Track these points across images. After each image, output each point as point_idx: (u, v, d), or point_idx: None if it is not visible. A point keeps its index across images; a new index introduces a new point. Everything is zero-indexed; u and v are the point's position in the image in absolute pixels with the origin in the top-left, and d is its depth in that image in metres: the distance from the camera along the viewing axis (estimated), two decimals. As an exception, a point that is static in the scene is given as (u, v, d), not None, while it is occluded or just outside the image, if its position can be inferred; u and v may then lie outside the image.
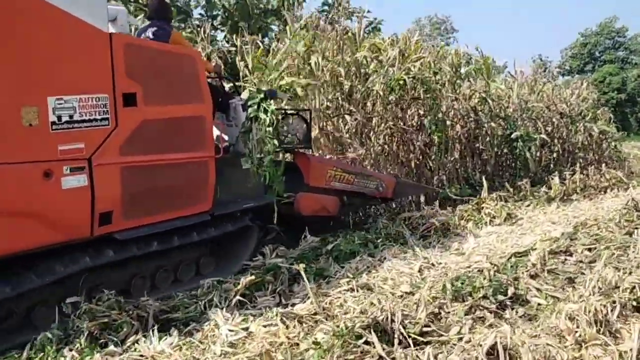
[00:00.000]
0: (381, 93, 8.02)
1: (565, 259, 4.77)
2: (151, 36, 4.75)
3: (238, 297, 3.94)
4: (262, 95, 4.98)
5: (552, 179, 9.41)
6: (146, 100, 4.14)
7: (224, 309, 3.80)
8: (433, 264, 4.84)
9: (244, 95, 5.46)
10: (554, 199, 8.63)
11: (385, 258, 5.06)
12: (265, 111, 4.88)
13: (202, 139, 4.60)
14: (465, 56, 10.53)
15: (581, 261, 4.71)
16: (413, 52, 8.67)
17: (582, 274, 4.34)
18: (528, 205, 8.20)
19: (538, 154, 11.18)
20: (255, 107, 4.93)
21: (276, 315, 3.61)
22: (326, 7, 13.53)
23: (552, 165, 11.54)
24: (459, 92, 9.62)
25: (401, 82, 8.10)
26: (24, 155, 3.50)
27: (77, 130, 3.76)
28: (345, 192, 6.08)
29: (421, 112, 8.73)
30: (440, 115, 8.60)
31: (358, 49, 8.12)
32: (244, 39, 8.13)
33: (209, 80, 5.24)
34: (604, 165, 11.55)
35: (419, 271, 4.63)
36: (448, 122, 8.99)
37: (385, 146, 8.31)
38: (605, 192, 9.85)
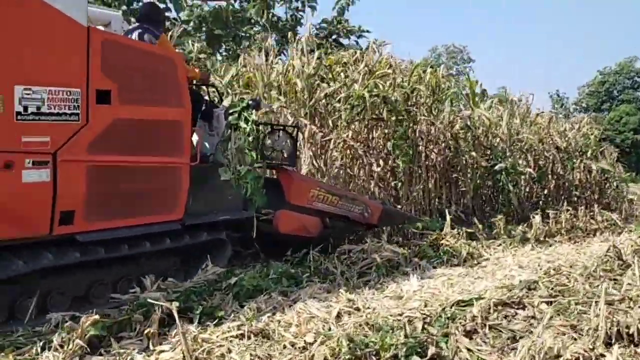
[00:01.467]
0: (342, 111, 7.47)
1: (516, 313, 4.10)
2: (136, 37, 4.68)
3: (80, 342, 3.14)
4: (243, 104, 4.84)
5: (534, 217, 8.62)
6: (121, 98, 4.06)
7: (63, 355, 3.08)
8: (358, 309, 4.08)
9: (226, 103, 5.31)
10: (530, 239, 7.90)
11: (300, 298, 4.34)
12: (246, 120, 4.75)
13: (177, 145, 4.50)
14: (450, 79, 9.89)
15: (533, 317, 4.01)
16: (381, 68, 8.07)
17: (530, 333, 3.71)
18: (499, 245, 7.50)
19: (527, 189, 10.65)
20: (236, 115, 4.79)
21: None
22: (324, 25, 13.50)
23: (541, 203, 10.77)
24: (440, 117, 8.85)
25: (362, 100, 7.52)
26: (-15, 143, 3.41)
27: (44, 122, 3.68)
28: (329, 214, 5.86)
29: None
30: (408, 139, 7.86)
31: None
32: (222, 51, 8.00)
33: (194, 87, 5.17)
34: (596, 205, 10.78)
35: (337, 317, 3.87)
36: (421, 148, 8.35)
37: (347, 169, 7.69)
38: (594, 235, 9.11)
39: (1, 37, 3.45)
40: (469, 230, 7.53)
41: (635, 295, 4.16)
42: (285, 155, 5.55)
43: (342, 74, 8.04)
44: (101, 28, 4.81)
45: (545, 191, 11.11)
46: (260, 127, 5.34)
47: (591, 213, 10.08)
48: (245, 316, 3.71)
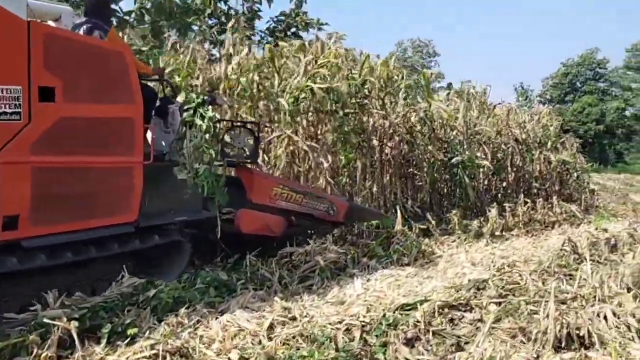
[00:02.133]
0: (285, 104, 7.05)
1: (462, 316, 3.76)
2: (84, 32, 4.44)
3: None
4: (199, 100, 4.67)
5: (490, 210, 8.36)
6: (66, 96, 3.88)
7: None
8: (294, 318, 3.73)
9: (179, 98, 5.13)
10: (484, 234, 7.64)
11: (230, 309, 3.93)
12: (202, 117, 4.58)
13: (129, 143, 4.34)
14: (401, 71, 9.45)
15: (480, 319, 3.69)
16: (328, 59, 7.55)
17: (476, 337, 3.43)
18: (454, 241, 7.27)
19: (486, 182, 10.52)
20: (192, 112, 4.61)
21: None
22: (282, 17, 13.23)
23: (500, 196, 10.63)
24: (393, 110, 8.53)
25: (306, 92, 7.13)
26: None
27: None
28: (293, 213, 5.76)
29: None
30: (362, 133, 7.60)
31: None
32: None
33: (147, 83, 4.99)
34: (555, 197, 10.74)
35: (269, 328, 3.52)
36: (375, 142, 7.99)
37: (294, 165, 7.34)
38: (552, 228, 8.99)
39: None
40: (422, 226, 7.32)
41: (587, 293, 3.97)
42: (247, 152, 5.41)
43: (286, 65, 7.65)
44: (51, 23, 4.59)
45: (504, 184, 11.01)
46: (220, 124, 5.18)
47: (549, 205, 10.03)
48: (162, 333, 3.32)
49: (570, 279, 4.51)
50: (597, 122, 38.75)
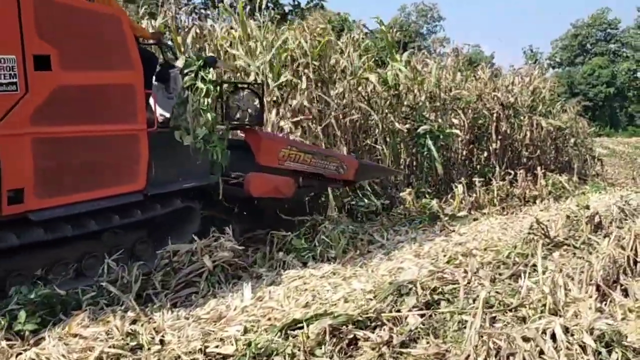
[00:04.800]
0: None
1: (368, 337, 2.86)
2: None
3: None
4: (200, 63, 4.54)
5: (456, 186, 7.29)
6: (62, 63, 3.77)
7: None
8: (140, 347, 2.85)
9: (179, 62, 5.00)
10: (440, 217, 6.47)
11: (45, 339, 2.93)
12: (204, 80, 4.45)
13: (131, 110, 4.23)
14: (360, 30, 8.54)
15: (388, 342, 2.79)
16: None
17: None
18: (404, 226, 6.15)
19: (465, 153, 9.50)
20: (193, 75, 4.49)
21: None
22: None
23: (480, 168, 9.59)
24: (345, 76, 7.53)
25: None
26: None
27: None
28: (302, 173, 5.67)
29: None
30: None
31: None
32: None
33: (145, 47, 4.86)
34: (539, 168, 9.52)
35: None
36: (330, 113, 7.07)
37: None
38: (534, 203, 7.95)
39: None
40: (367, 209, 6.21)
41: (536, 300, 3.11)
42: (252, 114, 5.30)
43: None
44: None
45: (485, 154, 10.03)
46: (224, 87, 5.07)
47: (532, 177, 8.96)
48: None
49: (534, 271, 3.66)
50: (608, 85, 38.04)
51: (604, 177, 11.97)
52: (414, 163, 8.56)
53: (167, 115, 4.75)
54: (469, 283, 3.50)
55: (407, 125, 8.15)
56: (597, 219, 5.15)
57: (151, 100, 4.58)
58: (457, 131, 8.89)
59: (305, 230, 5.21)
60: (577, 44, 41.84)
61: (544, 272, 3.61)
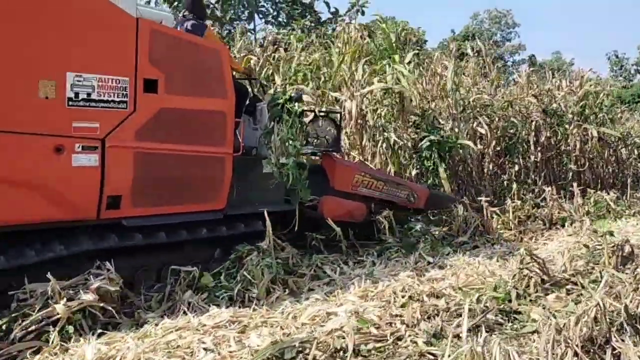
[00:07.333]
0: None
1: None
2: (190, 28, 4.82)
3: None
4: (286, 97, 4.89)
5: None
6: (167, 88, 4.17)
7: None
8: None
9: (267, 97, 5.38)
10: (417, 247, 5.28)
11: None
12: (289, 112, 4.77)
13: (221, 135, 4.56)
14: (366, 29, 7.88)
15: None
16: None
17: None
18: (380, 256, 5.17)
19: (491, 166, 8.32)
20: (279, 108, 4.82)
21: None
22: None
23: (507, 184, 8.28)
24: (347, 85, 7.04)
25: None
26: (37, 126, 3.58)
27: (94, 109, 3.82)
28: (374, 200, 5.86)
29: None
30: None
31: None
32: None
33: (238, 80, 5.25)
34: (575, 184, 8.07)
35: None
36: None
37: None
38: (563, 227, 6.63)
39: (57, 27, 3.62)
40: (321, 236, 5.15)
41: None
42: (329, 141, 5.58)
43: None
44: None
45: (517, 168, 8.72)
46: (304, 117, 5.37)
47: (558, 196, 7.47)
48: None
49: (514, 319, 2.84)
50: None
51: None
52: (423, 179, 7.38)
53: (252, 144, 5.09)
54: (399, 340, 2.69)
55: (414, 136, 7.28)
56: (627, 249, 4.09)
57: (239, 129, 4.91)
58: (470, 142, 7.67)
59: (230, 263, 4.32)
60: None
61: (504, 326, 2.80)
